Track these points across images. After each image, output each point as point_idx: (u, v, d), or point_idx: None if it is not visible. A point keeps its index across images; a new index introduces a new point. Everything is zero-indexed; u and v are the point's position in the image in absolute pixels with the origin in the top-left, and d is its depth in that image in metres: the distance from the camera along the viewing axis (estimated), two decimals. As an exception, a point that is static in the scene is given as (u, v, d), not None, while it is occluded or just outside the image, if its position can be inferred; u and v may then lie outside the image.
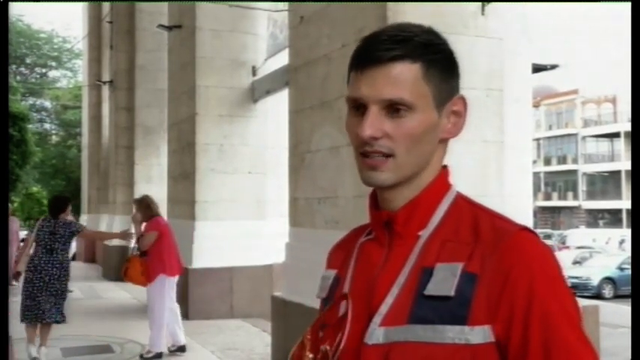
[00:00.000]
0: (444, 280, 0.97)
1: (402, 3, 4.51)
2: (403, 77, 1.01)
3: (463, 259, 0.98)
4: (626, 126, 40.69)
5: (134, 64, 14.11)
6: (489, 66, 4.85)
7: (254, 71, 9.47)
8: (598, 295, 18.27)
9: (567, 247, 28.06)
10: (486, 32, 4.82)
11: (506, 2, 5.05)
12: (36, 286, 6.32)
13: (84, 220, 20.42)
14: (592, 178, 48.26)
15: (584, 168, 47.99)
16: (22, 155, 22.15)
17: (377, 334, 0.99)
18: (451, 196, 1.09)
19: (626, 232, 29.00)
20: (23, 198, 37.58)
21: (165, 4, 11.33)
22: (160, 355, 6.74)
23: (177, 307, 6.97)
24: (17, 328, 6.16)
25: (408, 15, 4.42)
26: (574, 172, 48.42)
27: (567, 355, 0.94)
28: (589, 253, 24.06)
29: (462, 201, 1.09)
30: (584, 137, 48.45)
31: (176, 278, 6.88)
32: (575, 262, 22.69)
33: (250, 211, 9.34)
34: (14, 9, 29.00)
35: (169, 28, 10.37)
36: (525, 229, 1.01)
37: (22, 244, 8.15)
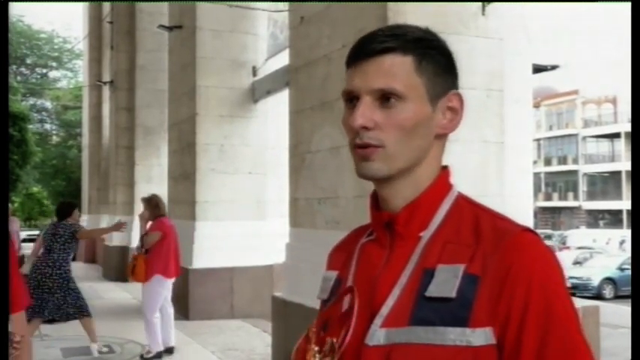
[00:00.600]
0: (446, 282, 0.97)
1: (403, 3, 4.51)
2: (394, 68, 1.02)
3: (465, 261, 0.98)
4: (626, 126, 40.68)
5: (134, 65, 14.11)
6: (490, 66, 4.85)
7: (254, 71, 9.47)
8: (598, 296, 18.26)
9: (568, 248, 28.04)
10: (487, 33, 4.82)
11: (507, 2, 5.05)
12: (31, 285, 6.43)
13: (84, 220, 20.44)
14: (592, 179, 48.26)
15: (585, 168, 47.98)
16: (23, 155, 22.16)
17: (378, 335, 0.99)
18: (452, 196, 1.08)
19: (626, 233, 29.00)
20: (23, 198, 37.60)
21: (166, 4, 11.34)
22: (160, 354, 6.76)
23: (171, 309, 7.00)
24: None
25: (409, 15, 4.42)
26: (574, 172, 48.42)
27: (562, 356, 0.93)
28: (589, 254, 24.06)
29: (463, 202, 1.08)
30: (584, 137, 48.44)
31: (172, 280, 6.91)
32: (576, 263, 22.68)
33: (251, 212, 9.34)
34: (15, 9, 29.01)
35: (170, 28, 10.37)
36: (527, 229, 1.01)
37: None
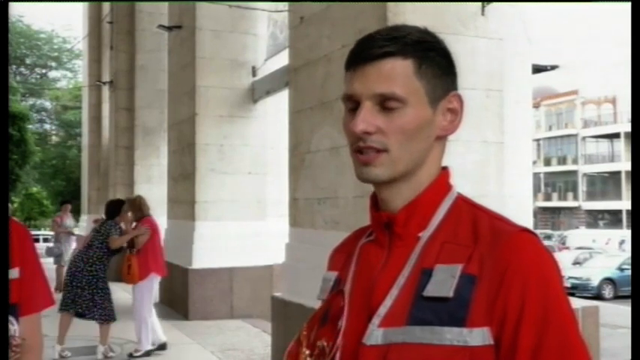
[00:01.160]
0: (443, 282, 0.97)
1: (402, 3, 4.51)
2: (395, 72, 1.02)
3: (462, 261, 0.98)
4: (626, 126, 40.70)
5: (134, 65, 14.10)
6: (489, 67, 4.85)
7: (254, 72, 9.47)
8: (598, 296, 18.28)
9: (567, 248, 28.08)
10: (486, 33, 4.82)
11: (506, 2, 5.05)
12: (67, 278, 6.78)
13: (84, 220, 20.41)
14: (592, 179, 48.27)
15: (584, 168, 48.00)
16: (22, 155, 22.16)
17: (376, 335, 0.99)
18: (451, 197, 1.09)
19: (626, 233, 29.00)
20: (23, 198, 37.58)
21: (165, 4, 11.34)
22: (148, 353, 6.82)
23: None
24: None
25: (408, 15, 4.42)
26: (574, 172, 48.43)
27: (558, 356, 0.93)
28: (589, 254, 24.06)
29: (462, 202, 1.09)
30: (584, 138, 48.45)
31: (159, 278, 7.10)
32: (575, 263, 22.69)
33: (250, 212, 9.34)
34: (14, 9, 29.00)
35: (169, 28, 10.37)
36: (525, 230, 1.01)
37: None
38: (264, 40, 9.65)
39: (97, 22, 19.63)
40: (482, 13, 4.78)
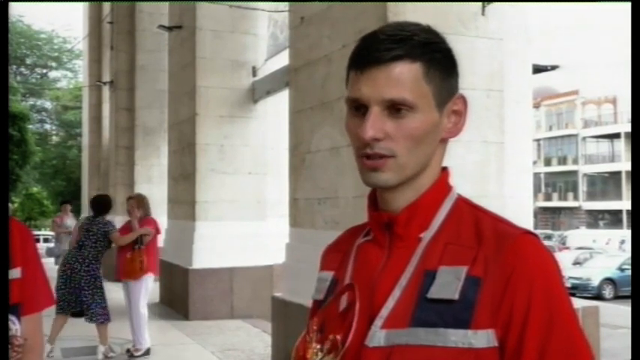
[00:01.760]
0: (448, 284, 0.97)
1: (402, 3, 4.51)
2: (404, 77, 1.00)
3: (467, 263, 0.98)
4: (626, 127, 40.67)
5: (134, 65, 14.10)
6: (489, 67, 4.85)
7: (254, 72, 9.47)
8: (598, 296, 18.27)
9: (567, 248, 28.07)
10: (486, 33, 4.82)
11: (507, 2, 5.05)
12: (62, 279, 6.67)
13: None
14: (592, 179, 48.26)
15: (585, 169, 47.98)
16: (23, 155, 22.16)
17: (378, 336, 0.98)
18: (452, 198, 1.09)
19: (626, 233, 28.99)
20: (23, 198, 37.58)
21: (166, 4, 11.33)
22: (148, 351, 6.83)
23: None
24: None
25: (408, 16, 4.42)
26: (574, 172, 48.41)
27: (564, 357, 0.94)
28: (589, 254, 24.06)
29: (462, 203, 1.09)
30: (584, 138, 48.44)
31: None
32: (576, 263, 22.69)
33: (251, 212, 9.34)
34: (14, 9, 29.00)
35: (170, 28, 10.37)
36: (528, 232, 1.01)
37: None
38: (264, 40, 9.65)
39: (98, 23, 19.64)
40: (483, 13, 4.78)
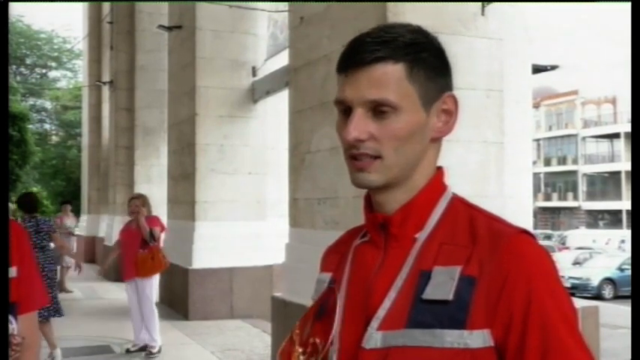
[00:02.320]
0: (443, 284, 0.96)
1: (402, 3, 4.51)
2: (386, 78, 1.01)
3: (461, 262, 0.97)
4: (626, 127, 40.70)
5: (134, 65, 14.10)
6: (489, 67, 4.84)
7: (254, 72, 9.47)
8: (598, 296, 18.27)
9: (567, 248, 28.06)
10: (486, 33, 4.82)
11: (506, 2, 5.05)
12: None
13: (84, 220, 20.40)
14: (592, 179, 48.26)
15: (584, 169, 47.99)
16: (22, 155, 22.14)
17: (375, 338, 0.98)
18: (447, 197, 1.08)
19: (626, 233, 28.99)
20: (23, 198, 37.48)
21: (166, 4, 11.33)
22: (159, 349, 6.87)
23: None
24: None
25: (408, 16, 4.42)
26: (574, 172, 48.42)
27: (564, 358, 0.93)
28: (589, 254, 24.05)
29: (458, 203, 1.08)
30: (584, 138, 48.45)
31: None
32: (575, 263, 22.68)
33: (250, 212, 9.34)
34: (14, 9, 28.99)
35: (169, 28, 10.37)
36: (523, 231, 1.01)
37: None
38: (264, 40, 9.65)
39: (97, 23, 19.64)
40: (482, 13, 4.78)
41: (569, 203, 48.36)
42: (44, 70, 38.75)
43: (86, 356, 6.90)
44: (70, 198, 18.88)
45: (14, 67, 35.16)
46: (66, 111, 36.20)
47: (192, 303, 8.93)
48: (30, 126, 25.43)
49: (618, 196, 43.63)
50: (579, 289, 18.74)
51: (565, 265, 20.90)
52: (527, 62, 5.77)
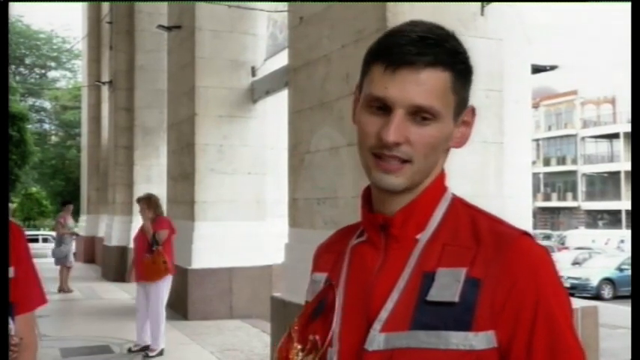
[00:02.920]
0: (448, 286, 0.96)
1: (402, 3, 4.51)
2: (435, 85, 0.99)
3: (465, 264, 0.98)
4: (625, 127, 40.73)
5: (134, 65, 14.10)
6: (489, 67, 4.84)
7: (253, 72, 9.47)
8: (597, 296, 18.27)
9: (566, 248, 28.06)
10: (486, 33, 4.82)
11: (506, 2, 5.05)
12: None
13: (83, 220, 20.38)
14: (591, 179, 48.27)
15: (584, 169, 47.99)
16: (22, 155, 22.14)
17: (378, 340, 0.98)
18: (447, 198, 1.08)
19: (625, 233, 29.01)
20: (22, 198, 37.57)
21: (165, 4, 11.33)
22: (162, 351, 6.84)
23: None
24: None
25: (408, 16, 4.41)
26: (573, 172, 48.42)
27: (570, 357, 0.95)
28: (588, 254, 24.06)
29: (458, 204, 1.08)
30: (583, 138, 48.45)
31: None
32: (575, 263, 22.69)
33: (250, 212, 9.34)
34: (14, 9, 28.98)
35: (169, 28, 10.37)
36: (525, 233, 1.01)
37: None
38: (263, 40, 9.65)
39: (97, 22, 19.64)
40: (482, 14, 4.78)
41: (569, 203, 48.36)
42: (43, 70, 38.76)
43: (85, 356, 6.89)
44: (69, 198, 18.88)
45: (13, 67, 35.16)
46: (65, 111, 36.21)
47: (192, 303, 8.93)
48: (29, 126, 25.44)
49: (617, 197, 43.64)
50: (578, 289, 18.74)
51: (564, 265, 20.92)
52: (527, 62, 5.78)
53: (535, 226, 39.11)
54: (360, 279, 1.06)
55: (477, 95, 4.65)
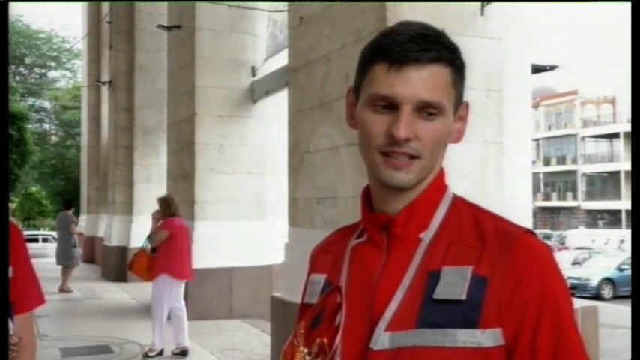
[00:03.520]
0: (454, 284, 0.97)
1: (401, 3, 4.51)
2: (439, 80, 1.01)
3: (472, 262, 0.98)
4: (625, 127, 40.74)
5: (133, 65, 14.10)
6: (489, 67, 4.85)
7: (253, 71, 9.47)
8: (597, 296, 18.29)
9: (566, 248, 28.07)
10: (485, 33, 4.82)
11: (506, 2, 5.05)
12: None
13: (83, 220, 20.38)
14: (591, 179, 48.28)
15: (584, 168, 48.00)
16: (22, 155, 22.14)
17: (383, 339, 0.98)
18: (448, 197, 1.09)
19: (625, 233, 29.03)
20: (22, 198, 37.57)
21: (165, 4, 11.33)
22: (161, 352, 6.81)
23: (182, 312, 6.97)
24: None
25: (407, 16, 4.41)
26: (573, 172, 48.43)
27: (575, 355, 0.96)
28: (588, 254, 24.08)
29: (460, 202, 1.09)
30: (583, 138, 48.46)
31: (179, 282, 6.95)
32: (575, 263, 22.71)
33: (250, 212, 9.34)
34: (14, 9, 28.98)
35: (169, 28, 10.37)
36: (529, 231, 1.02)
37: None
38: (263, 40, 9.65)
39: (97, 22, 19.64)
40: (482, 14, 4.78)
41: (569, 203, 48.37)
42: (43, 70, 38.77)
43: (85, 356, 6.90)
44: (69, 198, 18.88)
45: (13, 66, 35.17)
46: (65, 111, 36.22)
47: (192, 303, 8.91)
48: (29, 126, 25.45)
49: (617, 196, 43.64)
50: (578, 288, 18.74)
51: (564, 265, 20.91)
52: (527, 62, 5.78)
53: (535, 226, 39.06)
54: (361, 279, 1.06)
55: (477, 95, 4.66)
